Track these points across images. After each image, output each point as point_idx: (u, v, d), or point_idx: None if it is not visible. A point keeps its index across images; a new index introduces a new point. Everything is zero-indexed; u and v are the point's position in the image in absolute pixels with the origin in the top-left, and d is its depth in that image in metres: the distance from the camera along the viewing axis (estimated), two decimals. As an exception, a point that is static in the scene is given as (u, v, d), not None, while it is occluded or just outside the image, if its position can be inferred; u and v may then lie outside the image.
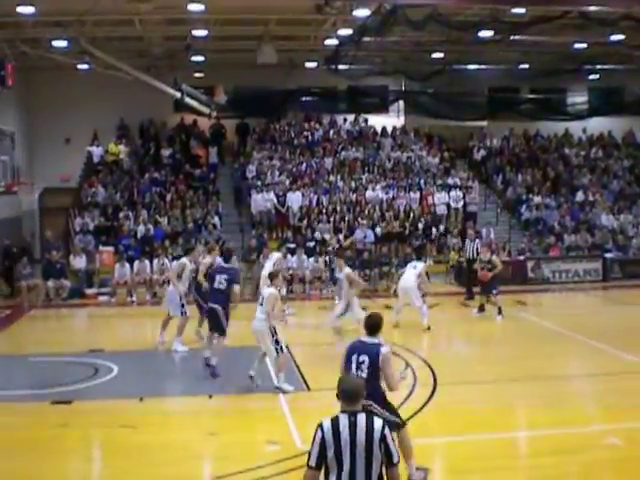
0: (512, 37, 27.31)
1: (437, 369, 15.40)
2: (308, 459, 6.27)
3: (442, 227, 30.94)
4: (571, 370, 16.61)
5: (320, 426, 6.27)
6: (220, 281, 15.52)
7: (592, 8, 23.41)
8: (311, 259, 27.62)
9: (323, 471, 6.28)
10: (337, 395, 6.44)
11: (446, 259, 29.26)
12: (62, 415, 12.73)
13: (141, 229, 28.98)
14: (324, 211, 30.70)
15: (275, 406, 13.12)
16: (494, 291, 22.18)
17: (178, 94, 31.33)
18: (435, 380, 14.59)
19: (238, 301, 15.97)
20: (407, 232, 30.16)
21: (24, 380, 14.73)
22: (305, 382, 14.77)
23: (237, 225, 31.42)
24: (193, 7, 24.33)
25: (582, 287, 28.39)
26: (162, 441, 11.60)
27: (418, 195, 32.18)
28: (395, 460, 6.31)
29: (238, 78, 33.40)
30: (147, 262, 26.84)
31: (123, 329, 22.06)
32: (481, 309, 22.47)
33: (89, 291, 26.62)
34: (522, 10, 24.67)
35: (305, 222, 30.28)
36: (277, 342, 13.90)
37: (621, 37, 28.54)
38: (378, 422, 6.31)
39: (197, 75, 34.49)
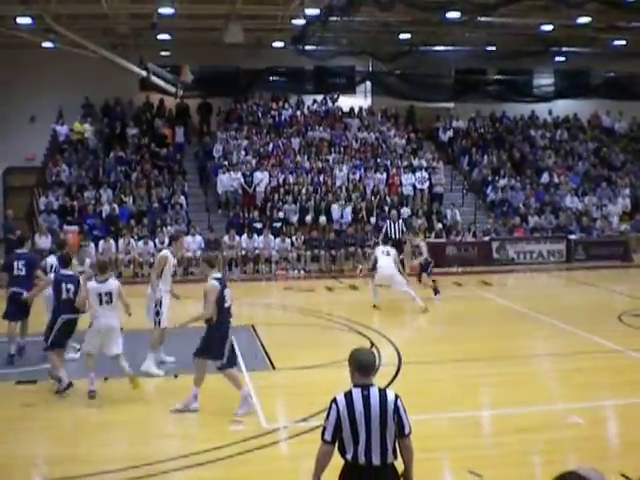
0: (479, 18, 27.39)
1: (402, 348, 15.48)
2: (323, 433, 6.32)
3: (408, 208, 30.99)
4: (535, 350, 16.74)
5: (334, 401, 6.32)
6: None
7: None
8: (277, 239, 27.62)
9: (337, 446, 6.32)
10: (350, 370, 6.47)
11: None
12: (27, 395, 12.67)
13: (106, 208, 28.84)
14: (290, 191, 30.66)
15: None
16: (426, 272, 22.10)
17: (144, 73, 31.05)
18: (400, 359, 14.66)
19: None
20: (374, 213, 30.19)
21: (-13, 360, 14.62)
22: (270, 361, 14.80)
23: (203, 205, 31.34)
24: (159, -16, 24.20)
25: (546, 268, 28.65)
26: (127, 420, 11.59)
27: (385, 176, 32.20)
28: (407, 431, 6.39)
29: (205, 57, 33.19)
30: (112, 242, 26.76)
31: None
32: (436, 291, 21.96)
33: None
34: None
35: (271, 202, 30.22)
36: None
37: (587, 20, 28.75)
38: (391, 394, 6.40)
39: (163, 54, 34.24)
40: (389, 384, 12.83)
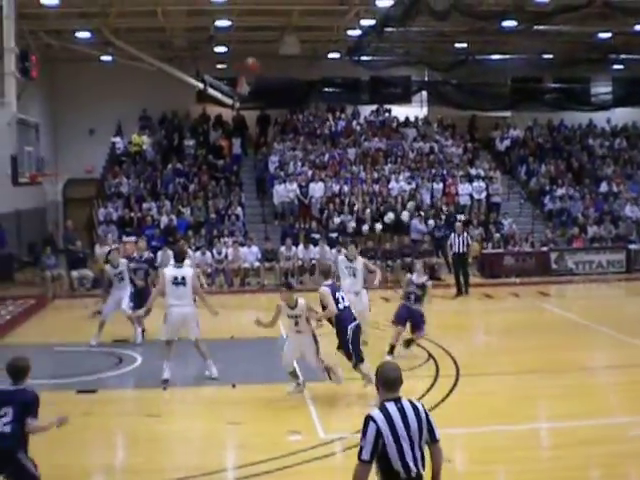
0: (535, 27, 27.16)
1: (459, 360, 15.39)
2: (360, 453, 6.25)
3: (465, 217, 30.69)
4: (594, 362, 16.55)
5: (371, 418, 6.29)
6: None
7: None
8: (333, 250, 27.59)
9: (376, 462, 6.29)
10: (376, 385, 6.56)
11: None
12: (87, 404, 12.82)
13: (164, 220, 29.09)
14: (346, 202, 30.63)
15: (298, 396, 13.15)
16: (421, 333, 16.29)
17: (201, 85, 31.44)
18: (457, 371, 14.58)
19: None
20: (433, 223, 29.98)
21: (49, 369, 14.82)
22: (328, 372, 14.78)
23: (260, 216, 31.50)
24: (216, -2, 24.42)
25: (605, 278, 28.20)
26: (185, 430, 11.67)
27: (441, 186, 32.03)
28: (438, 437, 6.48)
29: (261, 69, 33.38)
30: (170, 252, 26.93)
31: (146, 319, 22.15)
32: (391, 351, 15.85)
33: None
34: (546, -1, 24.58)
35: (327, 213, 30.21)
36: None
37: (645, 27, 28.41)
38: (419, 404, 6.50)
39: (220, 66, 34.55)
40: (447, 396, 12.78)
